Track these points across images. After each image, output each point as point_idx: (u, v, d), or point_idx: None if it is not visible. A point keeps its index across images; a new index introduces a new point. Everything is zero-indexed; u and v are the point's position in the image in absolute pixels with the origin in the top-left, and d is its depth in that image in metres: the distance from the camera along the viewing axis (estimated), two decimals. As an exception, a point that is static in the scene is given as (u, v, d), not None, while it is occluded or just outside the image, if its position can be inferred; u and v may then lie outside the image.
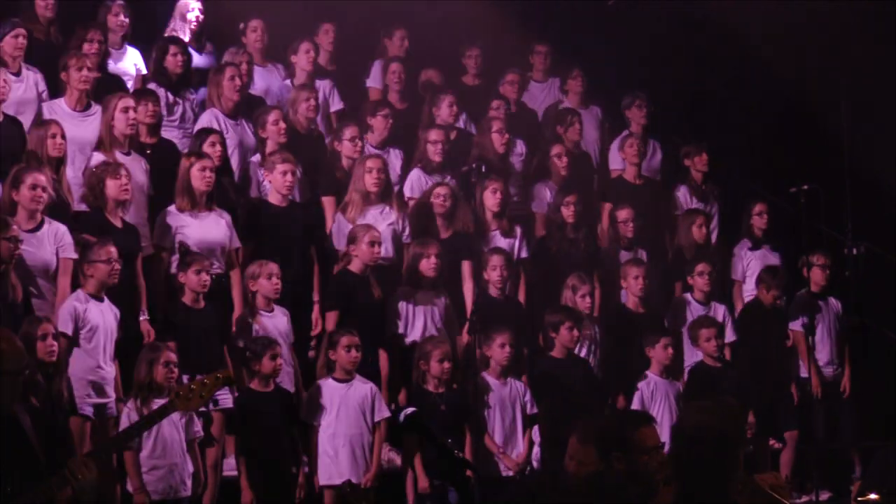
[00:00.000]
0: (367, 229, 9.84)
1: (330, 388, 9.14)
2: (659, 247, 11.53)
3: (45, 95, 10.29)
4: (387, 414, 9.19)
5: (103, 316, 8.67)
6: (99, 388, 8.63)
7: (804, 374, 10.81)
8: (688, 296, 10.93)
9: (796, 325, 11.00)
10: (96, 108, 10.08)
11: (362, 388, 9.20)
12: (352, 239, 9.84)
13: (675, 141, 12.56)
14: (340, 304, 9.70)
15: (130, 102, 9.89)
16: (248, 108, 11.06)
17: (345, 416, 9.08)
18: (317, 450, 9.06)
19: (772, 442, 10.88)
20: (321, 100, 11.51)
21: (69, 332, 8.53)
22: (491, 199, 10.69)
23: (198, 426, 8.61)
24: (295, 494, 8.93)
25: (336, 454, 9.03)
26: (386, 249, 10.11)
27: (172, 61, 10.95)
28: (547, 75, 12.94)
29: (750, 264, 11.40)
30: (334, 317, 9.69)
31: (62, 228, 8.97)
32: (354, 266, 9.80)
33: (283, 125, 10.55)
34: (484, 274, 10.23)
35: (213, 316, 9.15)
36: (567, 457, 7.11)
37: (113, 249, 8.71)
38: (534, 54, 12.93)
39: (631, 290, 10.64)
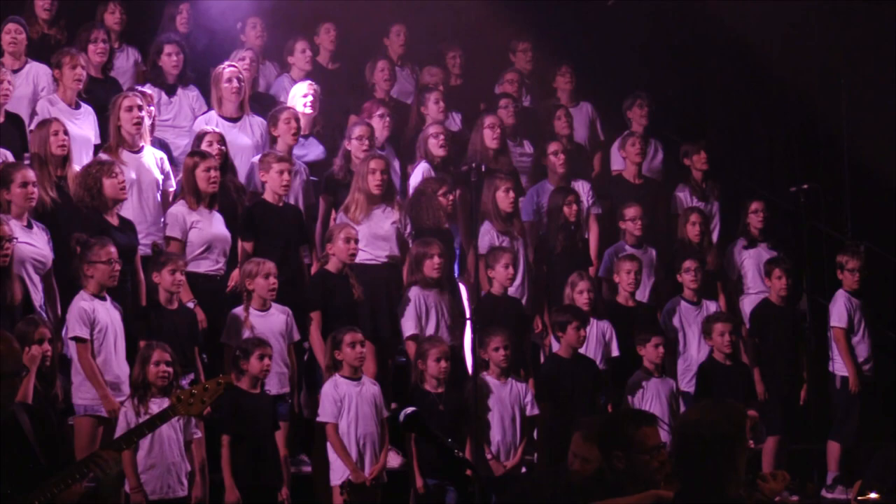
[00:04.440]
0: (343, 227, 9.79)
1: (343, 387, 9.10)
2: (663, 246, 11.49)
3: (44, 92, 10.26)
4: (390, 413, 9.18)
5: (109, 314, 8.66)
6: (116, 388, 8.61)
7: (845, 372, 10.85)
8: (679, 296, 10.89)
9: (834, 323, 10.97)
10: (86, 108, 10.05)
11: (372, 386, 9.18)
12: (328, 238, 9.80)
13: (675, 140, 12.55)
14: (320, 304, 9.61)
15: (135, 101, 9.80)
16: (259, 106, 11.02)
17: (361, 415, 9.03)
18: (334, 448, 9.00)
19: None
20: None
21: (84, 335, 8.51)
22: (504, 199, 10.62)
23: (195, 427, 8.57)
24: (278, 496, 8.88)
25: (355, 453, 8.98)
26: (391, 248, 10.09)
27: (167, 61, 10.93)
28: (574, 98, 12.64)
29: (744, 263, 11.38)
30: (318, 317, 9.60)
31: None
32: (331, 265, 9.73)
33: (294, 125, 10.42)
34: (489, 272, 10.17)
35: (186, 317, 9.10)
36: (570, 455, 7.12)
37: (113, 250, 8.69)
38: (558, 76, 12.63)
39: (623, 285, 10.62)
